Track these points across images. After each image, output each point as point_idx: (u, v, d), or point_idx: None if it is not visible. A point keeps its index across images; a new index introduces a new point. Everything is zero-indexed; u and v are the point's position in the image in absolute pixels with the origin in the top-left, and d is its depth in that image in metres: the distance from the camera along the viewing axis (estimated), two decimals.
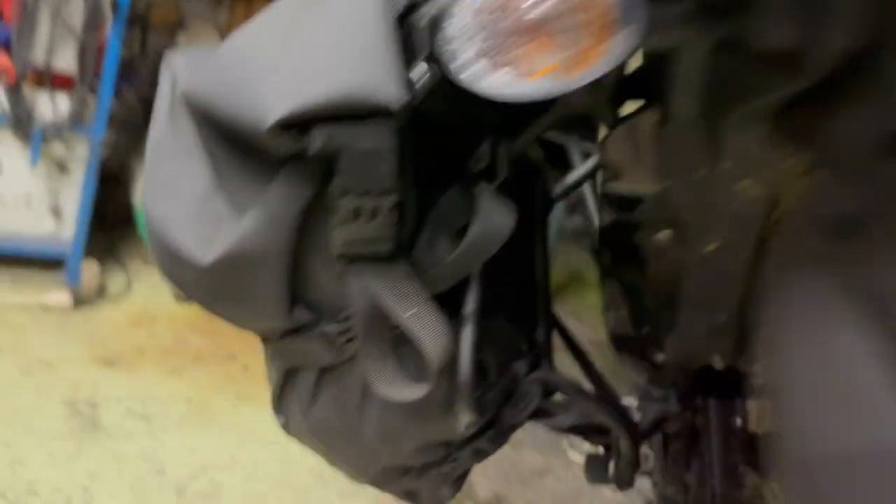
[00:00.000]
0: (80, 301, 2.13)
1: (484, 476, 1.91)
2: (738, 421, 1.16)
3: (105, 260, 2.36)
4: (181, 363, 2.02)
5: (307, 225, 0.55)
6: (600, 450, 1.27)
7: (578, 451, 1.69)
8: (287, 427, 0.73)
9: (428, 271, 0.58)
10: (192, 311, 2.30)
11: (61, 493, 1.46)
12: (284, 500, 1.60)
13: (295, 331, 0.62)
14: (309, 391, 0.66)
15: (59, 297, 2.08)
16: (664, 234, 0.67)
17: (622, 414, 0.96)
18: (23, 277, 2.17)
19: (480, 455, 0.80)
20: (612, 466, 1.15)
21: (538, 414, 0.79)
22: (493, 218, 0.57)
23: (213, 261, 0.53)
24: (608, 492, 2.01)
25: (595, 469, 1.15)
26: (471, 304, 0.64)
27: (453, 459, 0.77)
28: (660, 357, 0.97)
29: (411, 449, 0.71)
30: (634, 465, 1.09)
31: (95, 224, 2.27)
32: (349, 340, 0.62)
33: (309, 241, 0.56)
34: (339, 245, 0.53)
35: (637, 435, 1.01)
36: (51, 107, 2.02)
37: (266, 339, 0.65)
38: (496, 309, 0.81)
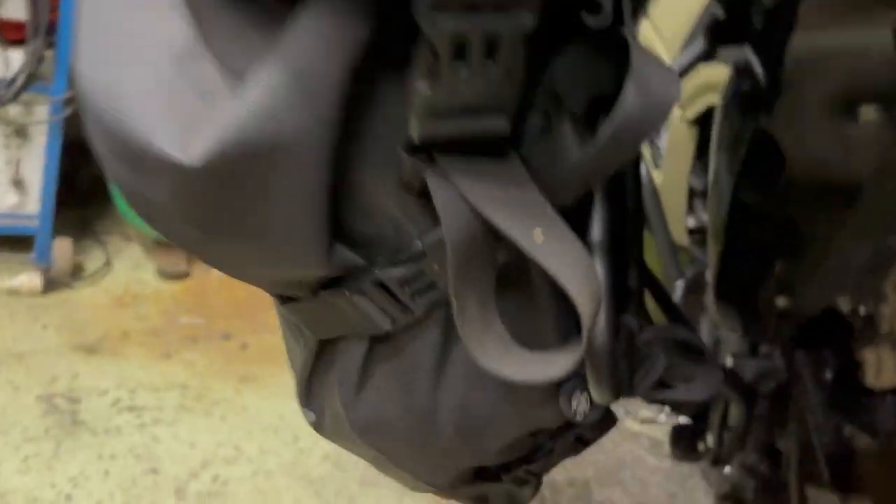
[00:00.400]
0: (52, 283, 1.90)
1: None
2: (829, 374, 0.97)
3: (80, 237, 2.12)
4: (172, 346, 1.80)
5: (352, 103, 0.33)
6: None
7: (636, 419, 1.49)
8: (320, 425, 0.51)
9: (546, 174, 0.36)
10: (181, 288, 2.07)
11: (38, 502, 1.25)
12: (299, 494, 1.40)
13: (335, 282, 0.40)
14: (355, 372, 0.45)
15: (29, 279, 1.84)
16: (865, 113, 0.46)
17: (738, 379, 0.76)
18: None
19: (581, 446, 0.59)
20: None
21: (657, 386, 0.58)
22: (653, 82, 0.34)
23: (203, 159, 0.31)
24: (652, 460, 1.82)
25: (685, 444, 0.95)
26: (599, 228, 0.42)
27: (546, 453, 0.56)
28: (781, 301, 0.76)
29: (500, 445, 0.50)
30: (744, 437, 0.89)
31: (66, 198, 2.03)
32: (418, 293, 0.40)
33: (354, 133, 0.34)
34: (421, 119, 0.31)
35: (753, 403, 0.81)
36: (2, 64, 1.77)
37: (286, 298, 0.43)
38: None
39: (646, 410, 1.65)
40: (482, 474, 0.57)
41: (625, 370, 0.48)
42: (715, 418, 0.90)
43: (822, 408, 0.93)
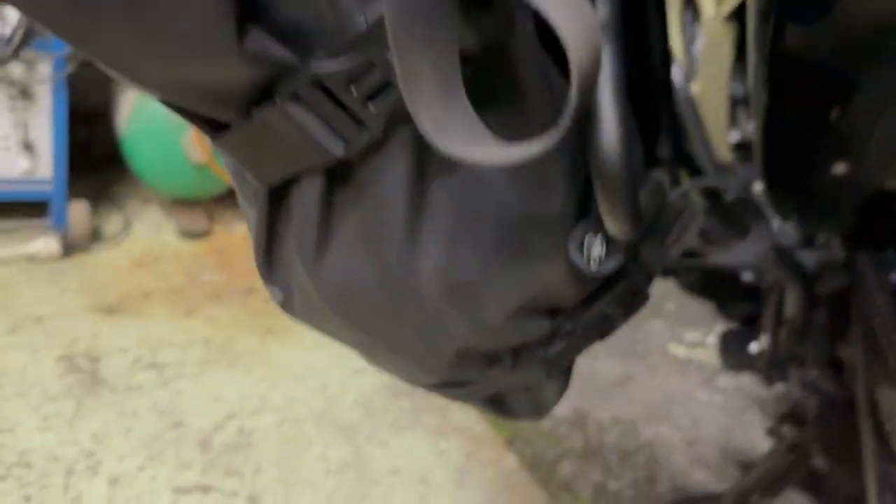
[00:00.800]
0: (71, 247, 1.86)
1: None
2: (895, 275, 0.87)
3: (98, 202, 2.08)
4: (194, 303, 1.75)
5: None
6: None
7: (681, 343, 1.38)
8: (289, 304, 0.42)
9: None
10: (202, 246, 2.02)
11: (60, 461, 1.20)
12: (329, 441, 1.34)
13: (264, 93, 0.31)
14: (313, 225, 0.36)
15: (46, 244, 1.80)
16: None
17: (794, 261, 0.65)
18: (2, 227, 1.90)
19: (607, 327, 0.50)
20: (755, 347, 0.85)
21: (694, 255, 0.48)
22: None
23: None
24: (704, 394, 1.72)
25: (735, 350, 0.85)
26: (604, 7, 0.33)
27: (566, 334, 0.47)
28: (839, 168, 0.66)
29: (502, 315, 0.41)
30: (803, 335, 0.79)
31: (84, 164, 1.99)
32: (370, 98, 0.31)
33: None
34: None
35: (812, 291, 0.71)
36: None
37: (217, 130, 0.35)
38: None
39: (692, 333, 1.54)
40: (495, 363, 0.48)
41: (651, 209, 0.39)
42: (768, 314, 0.80)
43: (888, 308, 0.83)
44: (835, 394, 1.02)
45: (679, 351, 1.50)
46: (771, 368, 0.84)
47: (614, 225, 0.33)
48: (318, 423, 1.39)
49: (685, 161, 0.74)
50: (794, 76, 0.62)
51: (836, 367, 1.00)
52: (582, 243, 0.37)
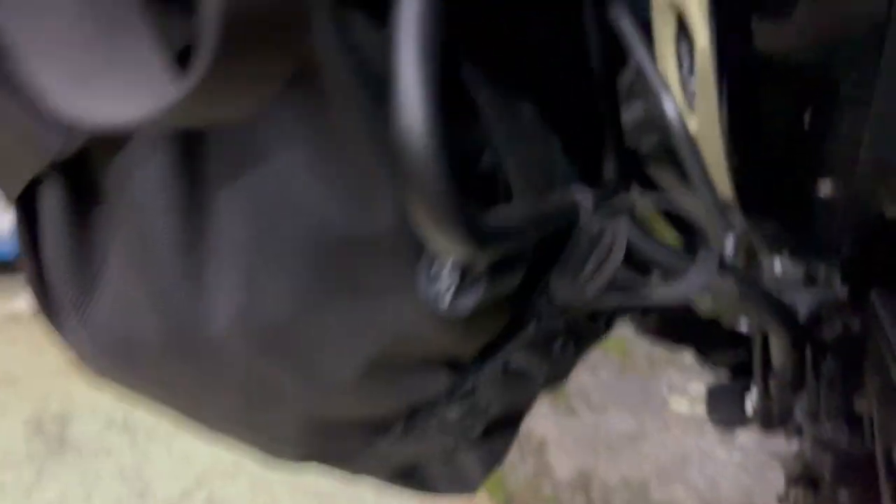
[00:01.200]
0: None
1: (561, 449, 1.51)
2: None
3: None
4: None
5: None
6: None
7: (682, 397, 1.26)
8: (83, 355, 0.33)
9: None
10: None
11: None
12: None
13: None
14: (64, 251, 0.27)
15: (28, 303, 1.74)
16: None
17: (774, 300, 0.54)
18: None
19: (522, 384, 0.40)
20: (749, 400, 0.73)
21: (620, 288, 0.38)
22: None
23: None
24: (722, 452, 1.58)
25: (725, 404, 0.73)
26: None
27: (466, 392, 0.37)
28: (826, 188, 0.56)
29: (352, 368, 0.31)
30: (797, 385, 0.67)
31: None
32: None
33: None
34: None
35: (802, 336, 0.59)
36: None
37: None
38: (512, 88, 0.41)
39: (695, 384, 1.41)
40: (382, 430, 0.39)
41: (529, 222, 0.29)
42: (757, 363, 0.68)
43: None
44: (852, 451, 0.90)
45: (681, 407, 1.38)
46: (771, 425, 0.72)
47: (435, 238, 0.24)
48: (294, 491, 1.28)
49: (644, 182, 0.64)
50: (759, 80, 0.53)
51: (853, 422, 0.88)
52: (430, 268, 0.28)
